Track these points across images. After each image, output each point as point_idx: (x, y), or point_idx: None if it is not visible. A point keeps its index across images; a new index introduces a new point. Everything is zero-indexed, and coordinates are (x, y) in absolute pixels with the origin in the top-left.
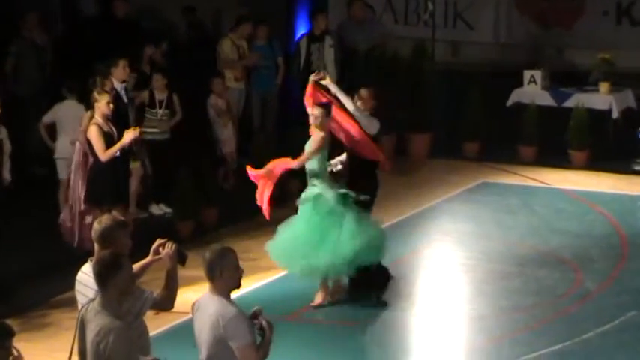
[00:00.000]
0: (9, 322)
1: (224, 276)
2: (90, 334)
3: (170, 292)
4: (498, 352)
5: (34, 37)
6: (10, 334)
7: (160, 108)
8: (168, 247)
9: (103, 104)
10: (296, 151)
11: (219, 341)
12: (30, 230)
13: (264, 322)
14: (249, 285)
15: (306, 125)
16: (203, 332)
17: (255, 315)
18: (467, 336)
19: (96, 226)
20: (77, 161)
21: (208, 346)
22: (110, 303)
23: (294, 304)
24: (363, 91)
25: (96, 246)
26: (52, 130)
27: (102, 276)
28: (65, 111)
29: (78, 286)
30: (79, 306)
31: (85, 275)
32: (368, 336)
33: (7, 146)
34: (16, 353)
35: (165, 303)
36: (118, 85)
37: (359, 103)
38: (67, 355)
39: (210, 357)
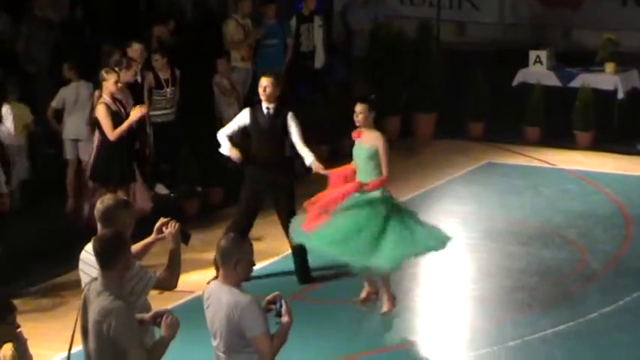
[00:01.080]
0: (18, 301)
1: (237, 268)
2: (92, 315)
3: (173, 271)
4: (501, 333)
5: (46, 17)
6: (12, 309)
7: (167, 87)
8: (172, 227)
9: (110, 83)
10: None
11: (235, 330)
12: (38, 209)
13: (284, 309)
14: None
15: (308, 104)
16: (216, 322)
17: (272, 301)
18: (470, 316)
19: (98, 205)
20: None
21: (225, 336)
22: (112, 283)
23: (297, 284)
24: (262, 80)
25: (99, 225)
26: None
27: (102, 255)
28: (74, 93)
29: (81, 265)
30: (83, 285)
31: (88, 254)
32: (372, 316)
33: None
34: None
35: (169, 282)
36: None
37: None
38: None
39: (227, 346)
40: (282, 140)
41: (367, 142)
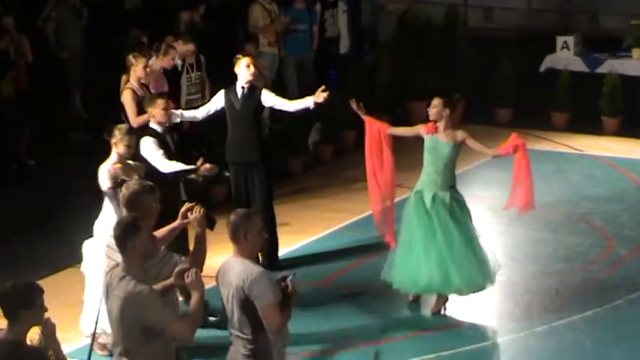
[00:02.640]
0: (45, 285)
1: (248, 238)
2: (116, 301)
3: (198, 256)
4: (528, 318)
5: (76, 2)
6: (39, 291)
7: (192, 72)
8: (197, 212)
9: (139, 68)
10: (326, 116)
11: (246, 302)
12: (69, 195)
13: (290, 286)
14: (281, 250)
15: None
16: (230, 295)
17: (283, 278)
18: (497, 302)
19: (124, 190)
20: None
21: (237, 308)
22: (133, 267)
23: (323, 270)
24: (245, 59)
25: (124, 210)
26: None
27: (121, 240)
28: None
29: (107, 251)
30: (106, 269)
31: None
32: (397, 302)
33: None
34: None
35: (195, 267)
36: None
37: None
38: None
39: (240, 318)
40: (256, 120)
41: (445, 137)
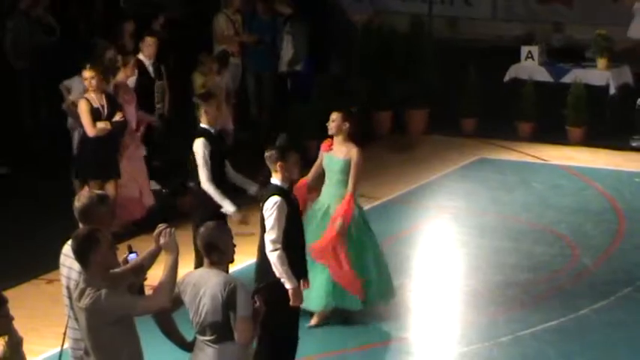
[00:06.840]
0: (10, 295)
1: (220, 251)
2: (81, 313)
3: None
4: (492, 329)
5: (31, 13)
6: (4, 301)
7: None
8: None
9: (89, 77)
10: (294, 129)
11: (221, 311)
12: (30, 203)
13: (257, 304)
14: (246, 260)
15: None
16: (202, 304)
17: (254, 294)
18: (461, 312)
19: (75, 203)
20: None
21: (209, 317)
22: (93, 279)
23: None
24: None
25: (79, 223)
26: None
27: (80, 252)
28: (76, 84)
29: (63, 259)
30: (62, 279)
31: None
32: (363, 312)
33: None
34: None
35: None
36: (146, 61)
37: None
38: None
39: (211, 327)
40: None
41: (339, 154)
